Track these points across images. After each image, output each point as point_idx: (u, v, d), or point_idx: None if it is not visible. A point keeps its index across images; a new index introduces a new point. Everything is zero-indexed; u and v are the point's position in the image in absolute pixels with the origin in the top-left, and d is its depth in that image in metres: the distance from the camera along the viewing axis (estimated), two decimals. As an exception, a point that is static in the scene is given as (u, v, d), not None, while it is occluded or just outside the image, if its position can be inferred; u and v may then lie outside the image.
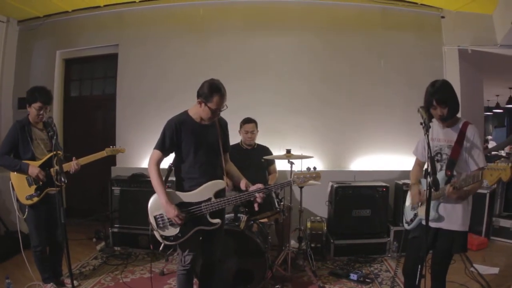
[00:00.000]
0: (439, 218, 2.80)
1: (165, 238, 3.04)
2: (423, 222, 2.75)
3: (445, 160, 2.83)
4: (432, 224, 2.79)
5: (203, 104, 2.94)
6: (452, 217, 2.79)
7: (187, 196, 3.03)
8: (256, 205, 3.08)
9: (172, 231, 3.02)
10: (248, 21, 6.02)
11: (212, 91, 2.90)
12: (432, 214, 2.75)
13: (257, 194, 3.00)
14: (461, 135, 2.79)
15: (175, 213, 2.91)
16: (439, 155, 2.87)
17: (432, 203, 2.73)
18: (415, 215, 2.98)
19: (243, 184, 3.15)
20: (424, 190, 2.83)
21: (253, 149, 4.91)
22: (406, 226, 3.11)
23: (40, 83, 4.01)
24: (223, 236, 3.40)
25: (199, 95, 2.96)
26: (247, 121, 4.83)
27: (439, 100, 2.73)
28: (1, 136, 5.78)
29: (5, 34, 6.29)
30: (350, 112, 5.93)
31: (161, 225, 3.04)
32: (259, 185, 3.04)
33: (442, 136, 2.89)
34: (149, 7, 6.17)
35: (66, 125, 6.75)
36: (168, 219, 3.01)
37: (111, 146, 4.23)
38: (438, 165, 2.85)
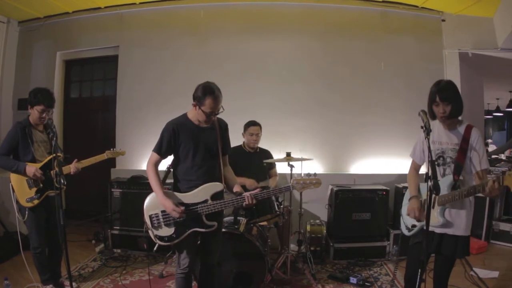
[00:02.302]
0: (446, 224, 2.78)
1: (160, 238, 3.05)
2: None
3: (450, 164, 2.81)
4: (437, 230, 2.77)
5: (197, 107, 2.95)
6: (457, 222, 2.77)
7: (184, 197, 3.03)
8: (244, 204, 3.02)
9: (167, 231, 3.03)
10: (248, 24, 6.03)
11: (205, 94, 2.90)
12: (441, 220, 2.71)
13: (246, 198, 2.98)
14: (466, 138, 2.77)
15: (172, 206, 2.92)
16: (441, 159, 2.84)
17: (439, 208, 2.70)
18: (418, 221, 2.93)
19: (236, 188, 3.14)
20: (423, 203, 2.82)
21: (256, 152, 4.91)
22: (406, 232, 3.07)
23: (40, 84, 3.99)
24: (222, 239, 3.40)
25: (194, 98, 2.98)
26: (252, 123, 4.84)
27: (443, 97, 2.72)
28: (1, 137, 5.78)
29: (5, 34, 6.30)
30: (350, 115, 5.92)
31: (155, 225, 3.05)
32: (257, 191, 3.05)
33: (444, 138, 2.87)
34: (150, 9, 6.18)
35: (66, 126, 6.75)
36: (163, 218, 3.02)
37: (111, 149, 4.22)
38: (440, 169, 2.83)
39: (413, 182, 3.06)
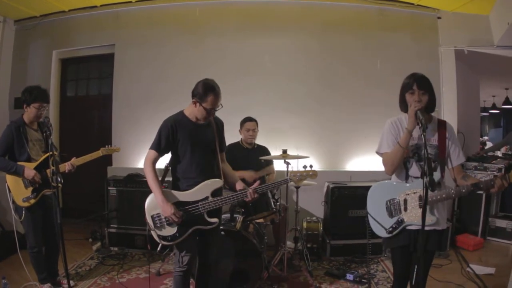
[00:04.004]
0: (435, 221, 2.71)
1: (163, 238, 3.04)
2: (411, 228, 2.71)
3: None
4: (426, 227, 2.73)
5: (197, 104, 2.96)
6: (442, 216, 2.75)
7: (183, 195, 3.03)
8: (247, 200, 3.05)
9: (170, 231, 3.02)
10: (244, 21, 6.02)
11: (207, 91, 2.91)
12: (434, 219, 2.67)
13: (248, 194, 3.01)
14: (443, 134, 2.74)
15: (171, 211, 2.91)
16: (416, 155, 2.73)
17: (428, 207, 2.64)
18: (400, 222, 2.77)
19: (239, 185, 3.15)
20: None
21: (253, 149, 4.94)
22: (383, 234, 2.85)
23: (37, 83, 3.98)
24: (220, 236, 3.40)
25: (193, 95, 2.98)
26: (248, 119, 4.89)
27: (420, 86, 2.67)
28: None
29: (1, 33, 6.28)
30: (346, 113, 5.93)
31: (158, 225, 3.03)
32: (256, 184, 3.07)
33: (418, 134, 2.72)
34: (146, 7, 6.16)
35: (62, 125, 6.72)
36: (165, 218, 3.00)
37: (106, 146, 4.21)
38: (417, 165, 2.74)
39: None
